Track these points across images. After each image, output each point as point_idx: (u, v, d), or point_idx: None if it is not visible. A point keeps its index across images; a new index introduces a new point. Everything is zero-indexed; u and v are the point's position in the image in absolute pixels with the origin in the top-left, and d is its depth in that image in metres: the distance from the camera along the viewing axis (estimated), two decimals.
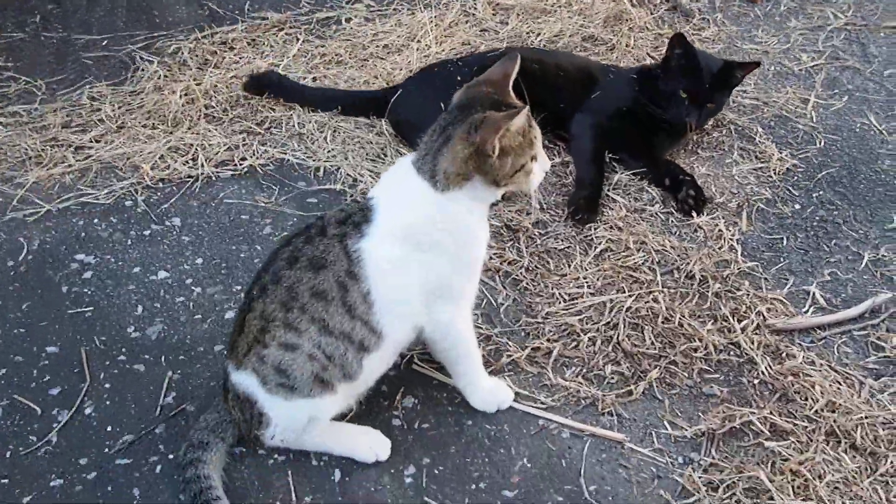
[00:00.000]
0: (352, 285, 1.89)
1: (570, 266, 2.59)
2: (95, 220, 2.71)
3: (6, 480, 1.97)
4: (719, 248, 2.68)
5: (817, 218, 2.84)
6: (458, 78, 3.04)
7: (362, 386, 2.04)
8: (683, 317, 2.42)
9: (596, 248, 2.65)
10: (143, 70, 3.43)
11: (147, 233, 2.67)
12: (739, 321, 2.42)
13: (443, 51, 3.58)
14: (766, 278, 2.59)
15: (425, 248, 1.92)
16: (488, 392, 2.16)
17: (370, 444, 2.03)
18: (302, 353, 1.89)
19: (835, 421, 2.14)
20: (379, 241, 1.90)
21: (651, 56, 3.63)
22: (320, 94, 3.25)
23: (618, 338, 2.35)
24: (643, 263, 2.60)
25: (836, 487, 1.99)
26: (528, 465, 2.04)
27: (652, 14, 3.96)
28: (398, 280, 1.92)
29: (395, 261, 1.91)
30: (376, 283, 1.90)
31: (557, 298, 2.48)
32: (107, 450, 2.04)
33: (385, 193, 1.97)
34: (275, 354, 1.90)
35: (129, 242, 2.63)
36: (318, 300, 1.89)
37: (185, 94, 3.26)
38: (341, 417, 2.09)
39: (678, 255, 2.63)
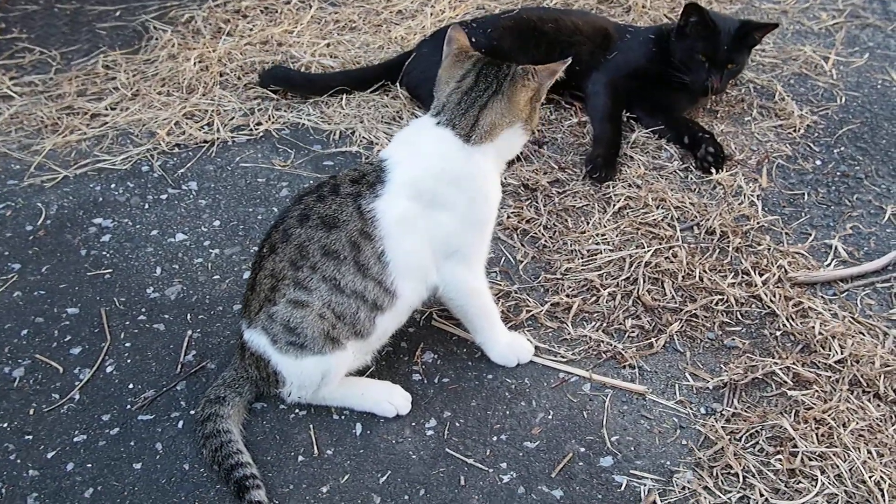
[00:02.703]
0: (365, 245, 1.89)
1: (588, 223, 2.57)
2: (112, 185, 2.71)
3: (30, 437, 1.98)
4: (739, 204, 2.65)
5: (839, 173, 2.80)
6: (473, 40, 3.02)
7: (376, 343, 2.04)
8: (704, 271, 2.40)
9: (615, 205, 2.63)
10: (156, 39, 3.42)
11: (164, 197, 2.67)
12: (761, 275, 2.40)
13: (457, 15, 3.56)
14: (787, 233, 2.57)
15: (442, 207, 1.92)
16: (507, 346, 2.15)
17: (391, 399, 2.03)
18: (311, 311, 1.88)
19: (858, 370, 2.12)
20: (394, 200, 1.89)
21: (668, 17, 3.59)
22: (329, 77, 3.17)
23: (638, 292, 2.34)
24: (662, 220, 2.57)
25: (860, 435, 1.97)
26: (550, 417, 2.03)
27: None
28: (413, 239, 1.92)
29: (411, 220, 1.90)
30: (391, 243, 1.90)
31: (576, 255, 2.46)
32: (129, 406, 2.05)
33: (402, 153, 1.96)
34: (283, 312, 1.89)
35: (147, 206, 2.63)
36: (329, 259, 1.88)
37: (200, 62, 3.25)
38: (361, 373, 2.09)
39: (698, 212, 2.61)
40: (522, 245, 2.51)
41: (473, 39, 3.01)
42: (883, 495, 1.85)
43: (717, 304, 2.32)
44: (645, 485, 1.89)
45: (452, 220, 1.94)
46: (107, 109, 3.03)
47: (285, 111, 3.01)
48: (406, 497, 1.87)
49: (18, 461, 1.93)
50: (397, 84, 3.12)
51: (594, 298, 2.34)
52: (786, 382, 2.10)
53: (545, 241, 2.51)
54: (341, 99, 3.07)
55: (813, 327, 2.24)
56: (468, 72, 1.96)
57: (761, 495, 1.86)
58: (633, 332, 2.25)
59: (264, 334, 1.93)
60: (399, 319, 2.04)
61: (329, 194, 1.92)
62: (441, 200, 1.92)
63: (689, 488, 1.88)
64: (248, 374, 2.01)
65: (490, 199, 1.99)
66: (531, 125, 1.99)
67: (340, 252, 1.88)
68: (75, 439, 1.98)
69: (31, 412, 2.04)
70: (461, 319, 2.15)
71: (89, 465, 1.92)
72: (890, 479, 1.88)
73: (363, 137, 2.89)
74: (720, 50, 2.84)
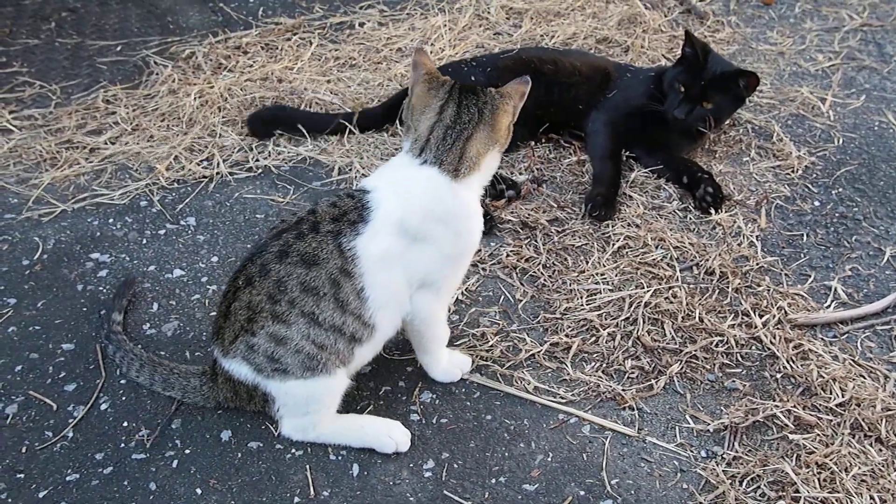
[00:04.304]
0: (345, 282, 1.88)
1: (587, 262, 2.56)
2: (110, 220, 2.70)
3: (22, 475, 1.95)
4: (738, 245, 2.65)
5: (837, 214, 2.81)
6: (472, 78, 3.04)
7: (353, 369, 2.04)
8: (704, 312, 2.39)
9: (614, 244, 2.62)
10: (157, 74, 3.43)
11: (162, 232, 2.66)
12: (760, 316, 2.39)
13: (456, 53, 3.57)
14: (786, 274, 2.56)
15: (425, 242, 1.92)
16: (449, 364, 2.19)
17: (391, 433, 2.02)
18: (292, 344, 1.89)
19: (859, 414, 2.10)
20: (377, 237, 1.89)
21: (666, 57, 3.62)
22: (331, 117, 3.16)
23: (637, 333, 2.32)
24: (662, 260, 2.57)
25: (862, 480, 1.95)
26: (549, 459, 2.01)
27: (666, 16, 3.94)
28: (392, 274, 1.92)
29: (392, 256, 1.90)
30: (371, 279, 1.89)
31: (576, 294, 2.45)
32: (123, 445, 2.02)
33: (387, 190, 1.93)
34: (265, 346, 1.90)
35: (144, 241, 2.62)
36: (308, 295, 1.88)
37: (200, 97, 3.26)
38: (360, 410, 2.07)
39: (697, 252, 2.60)
40: (522, 284, 2.50)
41: (472, 78, 3.04)
42: None
43: (717, 345, 2.31)
44: None
45: (435, 253, 1.94)
46: (106, 144, 3.03)
47: (284, 147, 3.02)
48: None
49: (9, 501, 1.89)
50: (397, 121, 3.13)
51: (594, 339, 2.32)
52: (787, 426, 2.08)
53: (544, 280, 2.51)
54: (341, 135, 3.07)
55: (813, 370, 2.23)
56: (446, 101, 1.93)
57: None
58: (632, 373, 2.24)
59: (245, 363, 1.93)
60: (375, 349, 2.04)
61: (309, 232, 1.90)
62: (426, 236, 1.92)
63: None
64: (216, 395, 2.06)
65: (474, 234, 2.00)
66: (505, 146, 2.02)
67: (320, 289, 1.88)
68: (68, 478, 1.95)
69: (24, 450, 2.01)
70: (413, 339, 2.14)
71: None
72: None
73: (361, 173, 2.89)
74: (696, 83, 2.86)
